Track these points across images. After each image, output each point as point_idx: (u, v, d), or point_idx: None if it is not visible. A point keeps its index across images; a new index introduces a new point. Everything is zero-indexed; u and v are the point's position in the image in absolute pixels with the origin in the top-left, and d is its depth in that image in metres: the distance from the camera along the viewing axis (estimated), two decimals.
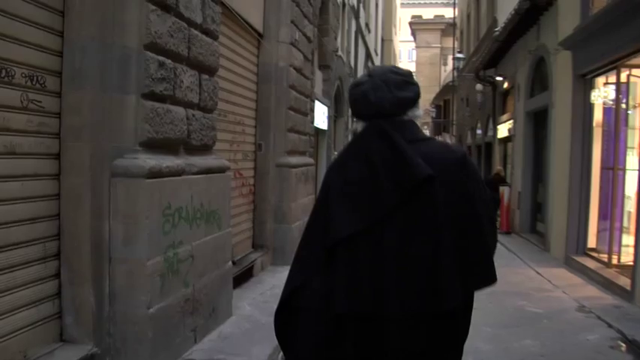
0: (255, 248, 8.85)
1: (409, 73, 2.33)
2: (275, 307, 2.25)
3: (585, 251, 10.21)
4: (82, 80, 4.14)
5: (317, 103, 12.37)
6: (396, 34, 45.48)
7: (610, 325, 6.48)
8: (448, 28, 42.09)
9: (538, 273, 9.73)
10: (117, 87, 4.23)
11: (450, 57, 32.39)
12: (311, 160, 10.91)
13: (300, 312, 2.17)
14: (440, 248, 2.07)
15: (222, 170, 5.75)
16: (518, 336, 6.00)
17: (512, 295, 7.93)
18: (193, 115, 5.11)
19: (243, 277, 7.70)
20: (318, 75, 13.23)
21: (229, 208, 6.02)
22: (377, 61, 31.83)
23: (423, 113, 2.61)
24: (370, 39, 27.21)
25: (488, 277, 2.22)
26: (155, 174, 4.29)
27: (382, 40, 35.56)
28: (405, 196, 2.09)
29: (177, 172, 4.69)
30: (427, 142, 2.25)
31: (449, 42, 37.58)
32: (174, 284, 4.62)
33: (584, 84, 10.32)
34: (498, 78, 17.69)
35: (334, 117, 16.58)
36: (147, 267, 4.21)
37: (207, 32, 5.39)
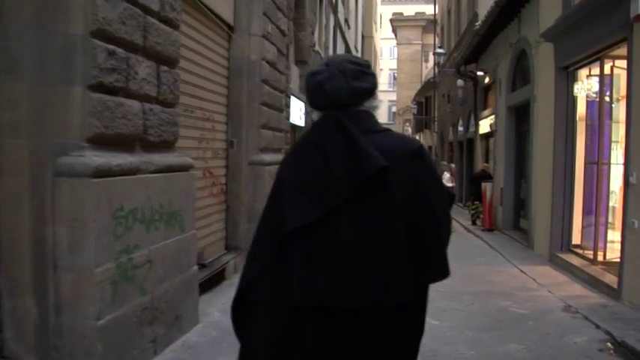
0: (229, 250, 8.49)
1: (367, 64, 2.30)
2: None
3: (570, 248, 9.95)
4: (19, 70, 3.78)
5: (293, 99, 11.99)
6: (376, 30, 45.31)
7: (598, 326, 6.18)
8: (429, 24, 41.81)
9: (522, 271, 9.44)
10: (60, 78, 3.85)
11: (431, 54, 32.18)
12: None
13: (255, 305, 2.15)
14: (393, 241, 2.06)
15: (184, 168, 5.38)
16: (502, 340, 5.68)
17: (496, 295, 7.63)
18: (151, 110, 4.74)
19: (214, 280, 7.33)
20: (295, 70, 12.86)
21: (194, 208, 5.65)
22: None
23: (380, 104, 2.40)
24: (350, 35, 26.89)
25: (441, 271, 2.20)
26: (104, 173, 3.91)
27: (363, 36, 35.27)
28: (359, 187, 2.05)
29: (131, 171, 4.31)
30: (383, 133, 2.22)
31: (430, 39, 37.31)
32: (128, 292, 4.25)
33: (567, 77, 10.06)
34: (479, 73, 17.44)
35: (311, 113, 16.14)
36: (95, 274, 3.83)
37: (165, 20, 5.01)
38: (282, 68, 9.98)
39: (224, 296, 6.84)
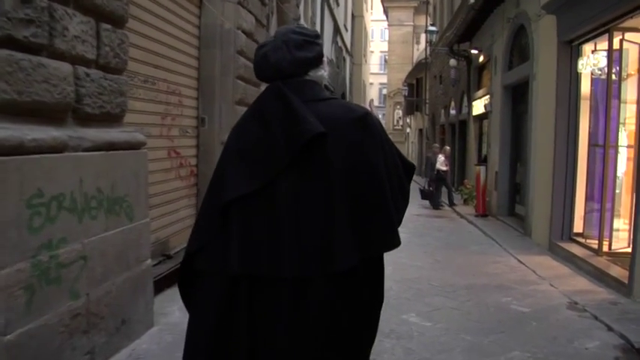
0: None
1: (314, 34, 2.28)
2: None
3: (571, 236, 9.23)
4: None
5: None
6: (367, 10, 44.42)
7: (610, 328, 5.46)
8: (421, 5, 40.82)
9: (520, 261, 8.70)
10: None
11: (423, 36, 31.36)
12: None
13: (200, 275, 2.16)
14: (333, 209, 2.06)
15: (133, 146, 4.57)
16: (503, 346, 4.93)
17: (493, 289, 6.89)
18: (87, 75, 3.92)
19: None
20: None
21: (147, 193, 4.83)
22: (347, 37, 30.70)
23: (327, 74, 2.36)
24: (339, 13, 26.02)
25: (388, 240, 2.17)
26: (12, 149, 3.09)
27: (353, 15, 34.35)
28: (296, 154, 2.05)
29: (55, 148, 3.50)
30: (328, 102, 2.22)
31: (422, 20, 36.29)
32: (51, 297, 3.45)
33: (570, 52, 9.29)
34: (473, 51, 16.67)
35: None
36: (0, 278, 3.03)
37: None
38: (261, 40, 9.12)
39: None
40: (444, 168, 16.91)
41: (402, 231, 2.26)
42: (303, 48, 2.19)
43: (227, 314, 2.08)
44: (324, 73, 2.29)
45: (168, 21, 6.53)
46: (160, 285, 5.93)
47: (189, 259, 2.20)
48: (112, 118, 4.31)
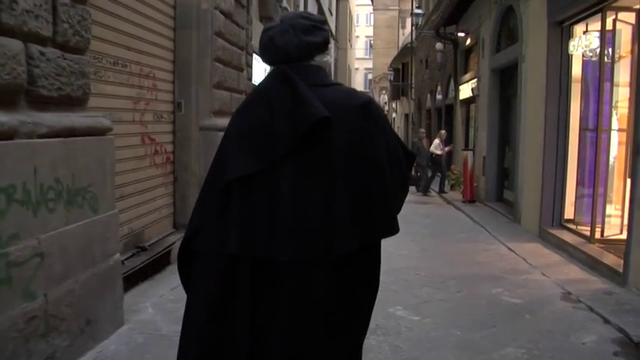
0: (178, 228, 7.36)
1: (320, 20, 2.29)
2: None
3: (562, 223, 8.98)
4: None
5: (257, 59, 10.78)
6: None
7: (607, 320, 5.20)
8: None
9: (510, 249, 8.44)
10: None
11: (409, 20, 30.98)
12: None
13: (199, 255, 2.16)
14: (334, 193, 2.06)
15: (99, 132, 4.22)
16: (497, 341, 4.65)
17: (484, 280, 6.61)
18: (42, 54, 3.56)
19: (156, 266, 6.23)
20: (260, 27, 11.61)
21: (113, 183, 4.48)
22: (332, 22, 30.28)
23: (332, 59, 2.44)
24: None
25: (388, 227, 2.18)
26: None
27: None
28: (299, 138, 2.05)
29: (5, 134, 3.15)
30: (332, 87, 2.23)
31: (407, 4, 35.82)
32: (1, 299, 3.11)
33: (561, 33, 8.99)
34: (460, 34, 16.36)
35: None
36: None
37: None
38: (241, 22, 8.76)
39: (165, 286, 5.74)
40: (439, 152, 16.51)
41: None
42: (311, 33, 2.18)
43: (225, 295, 2.08)
44: (329, 58, 2.28)
45: (140, 0, 6.15)
46: (134, 279, 5.63)
47: (189, 239, 2.20)
48: (73, 102, 3.95)
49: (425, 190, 16.30)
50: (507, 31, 12.08)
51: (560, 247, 8.21)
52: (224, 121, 7.86)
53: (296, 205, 2.04)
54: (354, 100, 2.17)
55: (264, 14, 11.97)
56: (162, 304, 5.21)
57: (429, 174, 16.56)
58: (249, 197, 2.06)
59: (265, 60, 2.27)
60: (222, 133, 6.68)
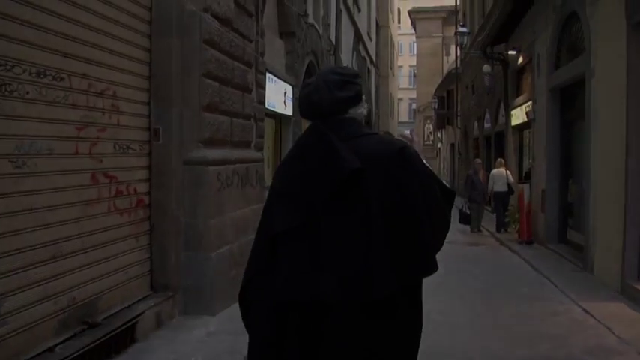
0: (157, 289, 5.75)
1: (352, 73, 2.38)
2: None
3: None
4: None
5: (273, 79, 9.23)
6: (393, 21, 42.95)
7: None
8: (450, 16, 38.94)
9: (586, 311, 6.57)
10: None
11: (453, 47, 29.45)
12: (254, 155, 7.57)
13: (252, 305, 2.26)
14: (371, 239, 2.11)
15: None
16: None
17: None
18: None
19: (112, 345, 4.63)
20: (279, 44, 10.11)
21: None
22: (371, 47, 28.94)
23: (366, 111, 2.38)
24: (361, 19, 24.23)
25: (425, 266, 2.21)
26: None
27: (377, 25, 32.58)
28: (335, 190, 2.15)
29: None
30: (366, 137, 2.29)
31: (451, 31, 34.27)
32: None
33: None
34: (511, 52, 14.73)
35: None
36: None
37: None
38: (245, 32, 7.19)
39: None
40: (511, 180, 14.41)
41: None
42: (343, 88, 2.28)
43: (274, 342, 2.15)
44: (363, 110, 2.37)
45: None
46: None
47: (245, 288, 2.30)
48: None
49: (477, 228, 14.58)
50: (569, 43, 10.34)
51: None
52: (219, 153, 6.29)
53: (337, 252, 2.11)
54: (388, 148, 2.24)
55: (285, 29, 10.46)
56: None
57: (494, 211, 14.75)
58: (294, 247, 2.15)
59: (303, 115, 2.41)
60: (214, 169, 4.81)
